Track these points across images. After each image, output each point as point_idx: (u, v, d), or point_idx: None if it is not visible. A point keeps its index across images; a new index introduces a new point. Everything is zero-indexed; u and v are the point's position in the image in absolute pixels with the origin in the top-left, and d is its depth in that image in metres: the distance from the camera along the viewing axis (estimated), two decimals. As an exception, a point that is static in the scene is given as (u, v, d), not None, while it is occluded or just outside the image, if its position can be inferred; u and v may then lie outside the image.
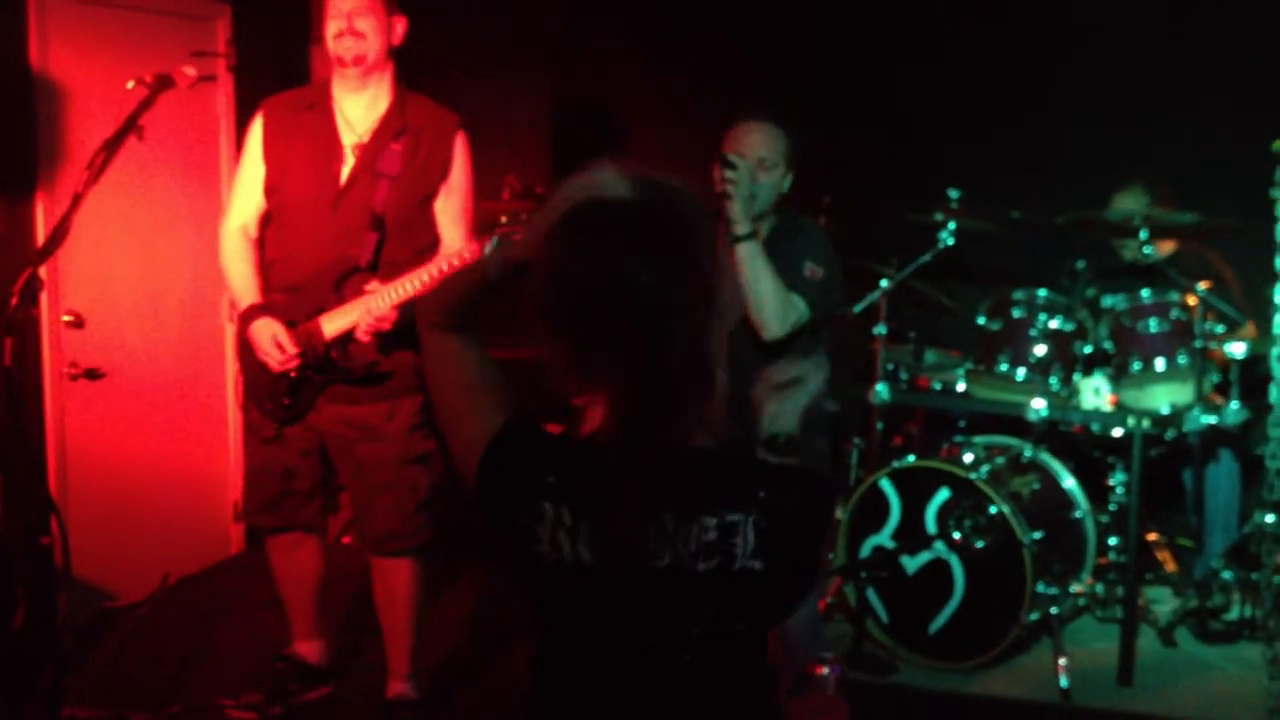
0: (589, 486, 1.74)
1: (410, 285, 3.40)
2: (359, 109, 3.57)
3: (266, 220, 3.65)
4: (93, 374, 4.47)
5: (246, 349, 3.57)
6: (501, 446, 1.83)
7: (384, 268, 3.50)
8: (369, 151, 3.53)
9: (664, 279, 1.71)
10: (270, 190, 3.59)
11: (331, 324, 3.49)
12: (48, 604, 3.51)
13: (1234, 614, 4.51)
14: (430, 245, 3.60)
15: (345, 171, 3.53)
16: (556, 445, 1.82)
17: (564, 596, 1.77)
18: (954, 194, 4.66)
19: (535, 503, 1.75)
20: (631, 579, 1.72)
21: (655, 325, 1.71)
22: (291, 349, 3.46)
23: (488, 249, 2.80)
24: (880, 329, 4.72)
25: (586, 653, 1.79)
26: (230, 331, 5.14)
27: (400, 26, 3.58)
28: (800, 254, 3.39)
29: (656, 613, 1.73)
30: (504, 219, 3.33)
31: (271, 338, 3.46)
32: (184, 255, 4.93)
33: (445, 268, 3.37)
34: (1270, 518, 3.95)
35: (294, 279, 3.56)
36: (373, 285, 3.44)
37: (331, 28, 3.50)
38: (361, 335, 3.45)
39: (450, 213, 3.60)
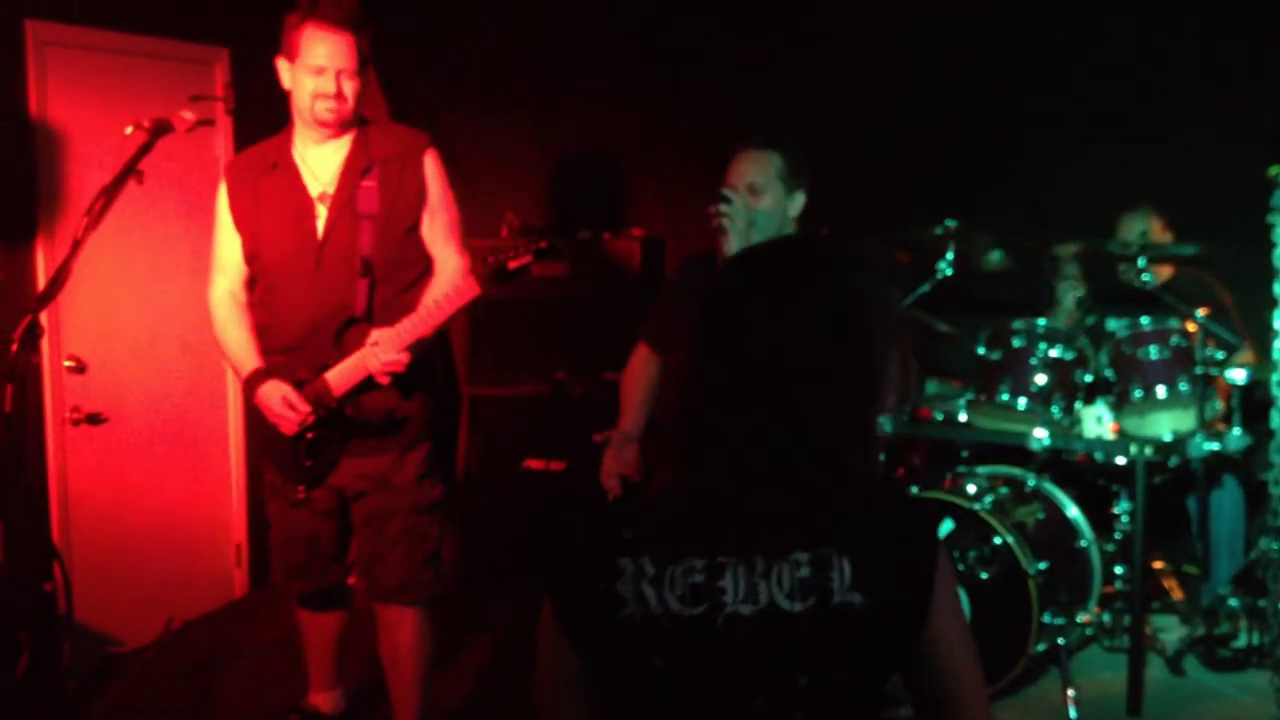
0: (668, 533, 1.68)
1: (414, 325, 3.35)
2: (322, 158, 3.46)
3: (252, 283, 3.56)
4: (94, 419, 4.47)
5: (259, 414, 3.49)
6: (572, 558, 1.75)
7: (380, 309, 3.43)
8: (341, 196, 3.42)
9: (823, 364, 1.67)
10: (249, 258, 3.50)
11: (340, 379, 3.41)
12: (51, 650, 3.49)
13: (1242, 641, 4.49)
14: (422, 274, 3.52)
15: (320, 225, 3.43)
16: (628, 505, 1.77)
17: (657, 660, 1.67)
18: (951, 224, 4.67)
19: (611, 562, 1.67)
20: (725, 626, 1.64)
21: (795, 411, 1.67)
22: (304, 407, 3.38)
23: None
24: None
25: None
26: (232, 375, 5.15)
27: (369, 72, 3.47)
28: None
29: (757, 663, 1.65)
30: (510, 253, 3.35)
31: (282, 399, 3.38)
32: (184, 299, 4.93)
33: (445, 303, 3.36)
34: (1275, 544, 3.94)
35: (291, 340, 3.47)
36: (375, 335, 3.36)
37: (311, 84, 3.33)
38: (382, 380, 3.37)
39: (438, 233, 3.51)
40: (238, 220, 3.49)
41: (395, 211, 3.44)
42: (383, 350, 3.33)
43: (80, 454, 4.54)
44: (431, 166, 3.51)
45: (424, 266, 3.53)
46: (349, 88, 3.35)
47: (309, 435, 3.45)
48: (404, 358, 3.34)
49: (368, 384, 3.42)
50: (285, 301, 3.47)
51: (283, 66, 3.40)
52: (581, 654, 1.70)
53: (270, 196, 3.46)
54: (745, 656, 1.65)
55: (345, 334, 3.41)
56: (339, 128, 3.42)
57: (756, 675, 1.65)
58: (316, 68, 3.32)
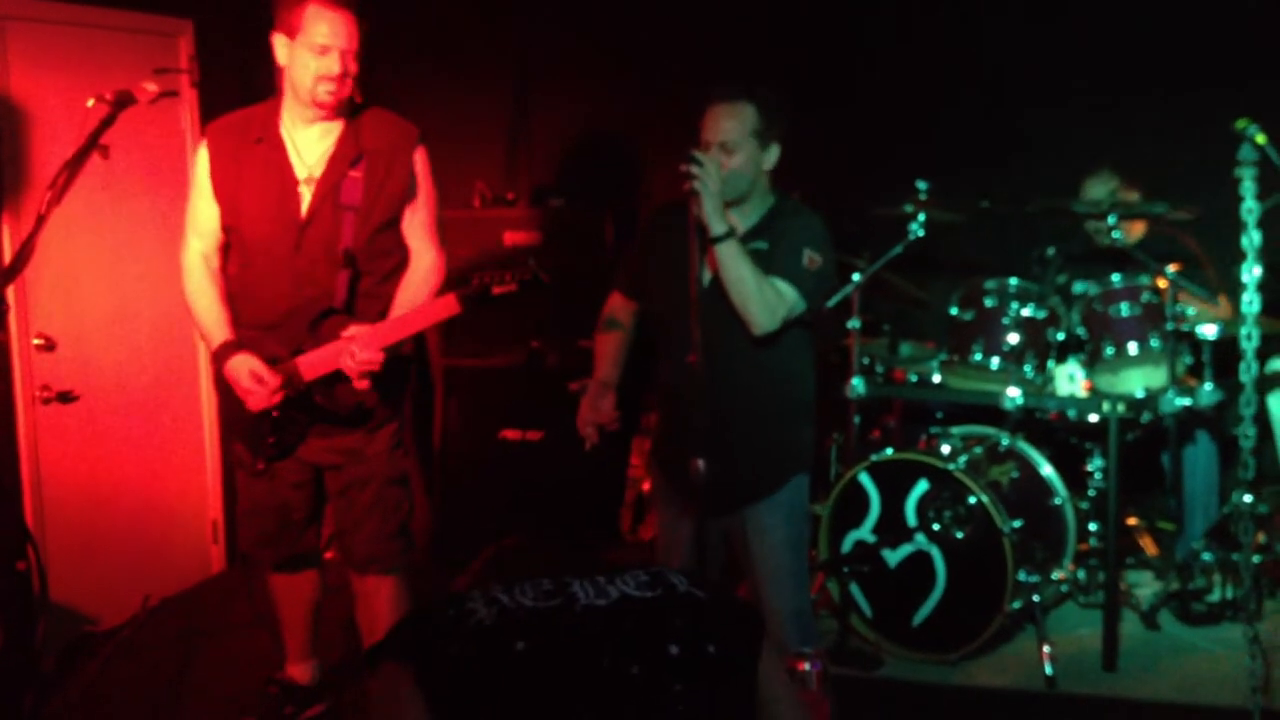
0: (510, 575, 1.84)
1: (391, 329, 3.36)
2: (310, 140, 3.43)
3: (226, 250, 3.53)
4: (65, 397, 4.45)
5: (226, 385, 3.47)
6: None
7: (359, 299, 3.45)
8: (326, 183, 3.39)
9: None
10: (226, 227, 3.48)
11: (311, 368, 3.40)
12: (26, 629, 3.48)
13: (1216, 595, 4.53)
14: (400, 264, 3.53)
15: (304, 208, 3.40)
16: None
17: (519, 644, 1.75)
18: (922, 185, 4.67)
19: (460, 598, 1.81)
20: (583, 613, 1.77)
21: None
22: (273, 382, 3.37)
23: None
24: (854, 323, 4.72)
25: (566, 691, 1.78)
26: (203, 349, 5.12)
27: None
28: (800, 240, 3.28)
29: (625, 636, 1.76)
30: (496, 278, 3.34)
31: (250, 373, 3.36)
32: (153, 272, 4.89)
33: (423, 316, 3.36)
34: (1248, 497, 3.96)
35: (265, 317, 3.45)
36: (351, 330, 3.34)
37: (315, 64, 3.28)
38: (359, 384, 3.35)
39: (418, 228, 3.53)
40: (217, 188, 3.45)
41: (377, 205, 3.44)
42: (359, 349, 3.31)
43: (52, 433, 4.50)
44: (420, 162, 3.51)
45: (401, 257, 3.54)
46: (354, 65, 3.33)
47: (274, 414, 3.45)
48: (379, 358, 3.33)
49: (339, 375, 3.40)
50: (262, 279, 3.45)
51: (280, 42, 3.34)
52: (436, 692, 1.74)
53: (254, 170, 3.42)
54: (610, 632, 1.76)
55: (322, 323, 3.41)
56: (334, 111, 3.40)
57: (626, 646, 1.76)
58: (321, 46, 3.28)
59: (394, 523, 3.63)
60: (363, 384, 3.35)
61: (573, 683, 1.73)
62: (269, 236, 3.42)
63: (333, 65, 3.28)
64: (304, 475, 3.60)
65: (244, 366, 3.37)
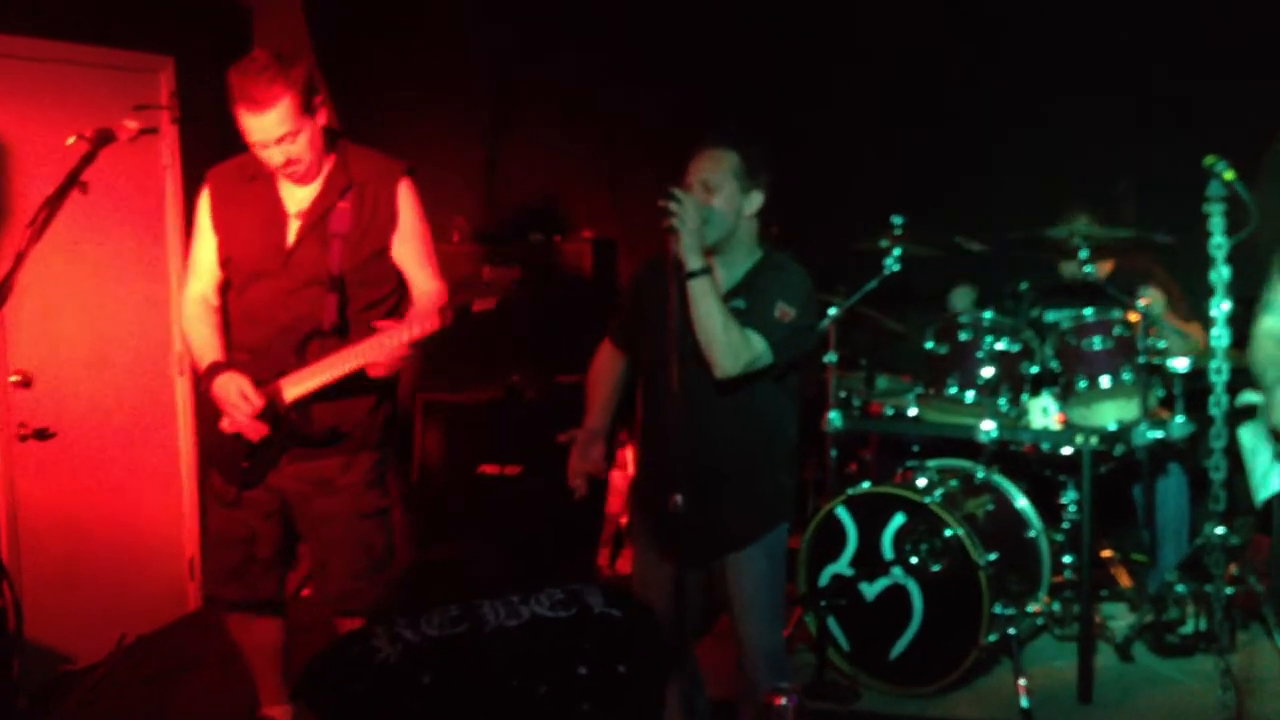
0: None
1: (372, 351, 3.35)
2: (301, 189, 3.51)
3: (226, 288, 3.60)
4: (42, 434, 4.44)
5: (207, 413, 3.50)
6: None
7: (352, 325, 3.47)
8: (314, 213, 3.46)
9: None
10: (223, 261, 3.55)
11: (292, 388, 3.43)
12: (1, 667, 3.46)
13: (1189, 627, 4.56)
14: (391, 294, 3.57)
15: (291, 236, 3.47)
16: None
17: (425, 679, 1.76)
18: (898, 220, 4.72)
19: (363, 635, 1.81)
20: (493, 635, 1.77)
21: None
22: (258, 401, 3.39)
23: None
24: (831, 357, 4.76)
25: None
26: (181, 385, 5.12)
27: (323, 112, 3.44)
28: (774, 293, 3.31)
29: (533, 659, 1.76)
30: (476, 294, 3.36)
31: (237, 390, 3.40)
32: (131, 310, 4.90)
33: (407, 337, 3.34)
34: (1219, 529, 4.00)
35: (254, 341, 3.51)
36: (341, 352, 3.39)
37: (265, 156, 3.36)
38: (374, 372, 3.37)
39: (411, 259, 3.56)
40: (216, 223, 3.54)
41: (365, 233, 3.48)
42: (337, 365, 3.36)
43: (28, 470, 4.49)
44: (405, 194, 3.55)
45: (394, 286, 3.57)
46: (295, 149, 3.35)
47: (252, 438, 3.46)
48: (403, 349, 3.33)
49: (316, 397, 3.43)
50: (253, 305, 3.52)
51: None
52: None
53: (249, 203, 3.51)
54: (519, 655, 1.77)
55: (307, 346, 3.44)
56: (309, 179, 3.46)
57: (535, 668, 1.77)
58: (258, 144, 3.35)
59: (366, 560, 3.57)
60: (378, 371, 3.36)
61: (480, 709, 1.73)
62: (260, 262, 3.49)
63: (276, 156, 3.35)
64: (273, 505, 3.58)
65: (232, 384, 3.41)
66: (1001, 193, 5.43)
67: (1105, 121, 5.31)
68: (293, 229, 3.48)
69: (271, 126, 3.30)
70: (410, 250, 3.56)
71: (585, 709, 1.75)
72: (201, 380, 3.54)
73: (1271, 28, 5.02)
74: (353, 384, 3.42)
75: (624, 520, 5.37)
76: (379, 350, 3.35)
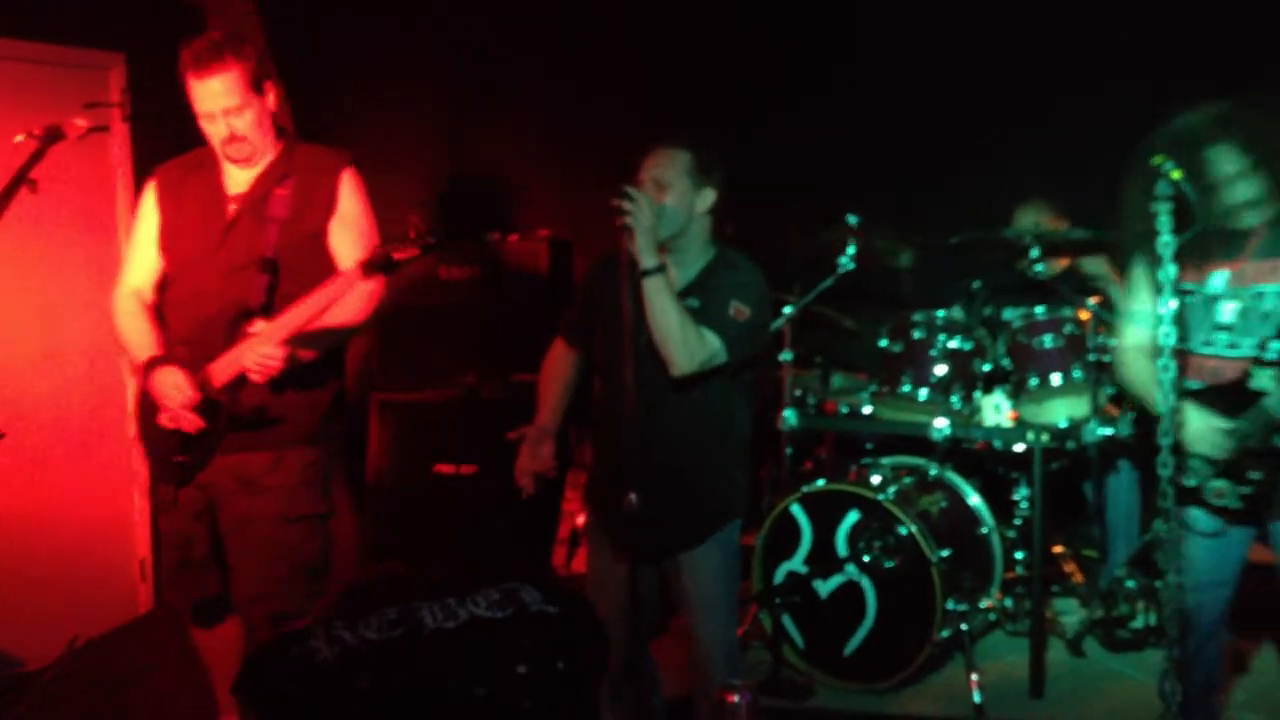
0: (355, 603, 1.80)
1: (291, 318, 3.31)
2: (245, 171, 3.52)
3: (164, 284, 3.56)
4: (-9, 434, 4.38)
5: (144, 413, 3.46)
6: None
7: (279, 308, 3.40)
8: (253, 195, 3.46)
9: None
10: (163, 248, 3.53)
11: (221, 371, 3.38)
12: (-52, 672, 3.42)
13: (1139, 622, 4.61)
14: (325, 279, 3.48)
15: (227, 217, 3.46)
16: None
17: (363, 683, 1.76)
18: (853, 219, 4.75)
19: (302, 634, 1.81)
20: (430, 639, 1.79)
21: None
22: (191, 393, 3.34)
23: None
24: (786, 355, 4.78)
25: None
26: (133, 386, 5.07)
27: (272, 94, 3.47)
28: (728, 292, 3.33)
29: (471, 660, 1.77)
30: (395, 244, 3.31)
31: (173, 383, 3.36)
32: (83, 308, 4.85)
33: (322, 294, 3.30)
34: (1167, 525, 4.04)
35: (188, 331, 3.46)
36: (258, 326, 3.34)
37: (210, 129, 3.40)
38: (255, 377, 3.32)
39: (345, 244, 3.49)
40: (161, 207, 3.54)
41: (302, 218, 3.46)
42: (259, 343, 3.30)
43: (-23, 470, 4.45)
44: (348, 182, 3.53)
45: (330, 273, 3.47)
46: (240, 123, 3.37)
47: (186, 429, 3.40)
48: (280, 352, 3.28)
49: (245, 378, 3.36)
50: (187, 292, 3.49)
51: None
52: None
53: (192, 191, 3.52)
54: (457, 657, 1.79)
55: (238, 327, 3.39)
56: (253, 161, 3.46)
57: (473, 669, 1.79)
58: (205, 114, 3.37)
59: (286, 565, 3.44)
60: (258, 379, 3.31)
61: (419, 711, 1.74)
62: (197, 247, 3.47)
63: (221, 129, 3.37)
64: (201, 504, 3.51)
65: (169, 377, 3.37)
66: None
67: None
68: (232, 210, 3.47)
69: (219, 94, 3.32)
70: (346, 236, 3.50)
71: (527, 706, 1.76)
72: (140, 374, 3.49)
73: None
74: (288, 371, 3.35)
75: (580, 520, 5.37)
76: (299, 317, 3.29)
